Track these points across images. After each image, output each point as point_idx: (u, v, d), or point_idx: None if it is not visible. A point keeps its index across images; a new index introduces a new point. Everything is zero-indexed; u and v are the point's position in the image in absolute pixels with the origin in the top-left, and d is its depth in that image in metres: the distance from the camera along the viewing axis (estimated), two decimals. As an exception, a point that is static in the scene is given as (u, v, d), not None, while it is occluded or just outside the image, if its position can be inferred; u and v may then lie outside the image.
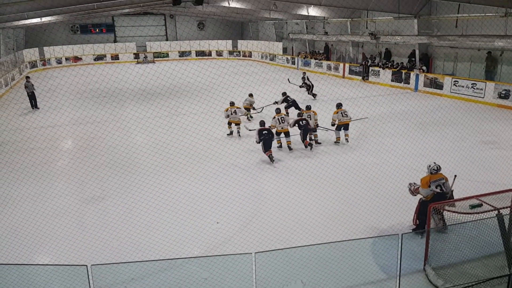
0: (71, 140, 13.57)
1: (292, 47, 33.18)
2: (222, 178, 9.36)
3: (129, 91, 21.49)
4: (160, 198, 8.32)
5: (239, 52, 40.02)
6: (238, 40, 40.73)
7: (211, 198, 8.45)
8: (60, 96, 18.40)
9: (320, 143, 12.07)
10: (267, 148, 10.66)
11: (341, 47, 28.24)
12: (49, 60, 35.06)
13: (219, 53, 40.17)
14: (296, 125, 11.75)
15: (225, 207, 7.98)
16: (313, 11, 25.01)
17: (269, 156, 10.64)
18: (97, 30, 38.42)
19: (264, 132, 10.68)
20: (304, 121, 11.67)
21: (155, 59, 37.91)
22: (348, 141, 12.06)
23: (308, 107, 12.32)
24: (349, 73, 25.41)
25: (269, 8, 24.37)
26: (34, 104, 18.27)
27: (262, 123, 11.18)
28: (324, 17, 26.35)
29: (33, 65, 33.62)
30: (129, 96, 19.63)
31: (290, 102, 15.17)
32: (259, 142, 10.75)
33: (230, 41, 40.47)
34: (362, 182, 9.13)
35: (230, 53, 40.27)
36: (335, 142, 12.12)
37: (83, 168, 10.49)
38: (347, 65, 25.67)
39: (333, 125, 12.10)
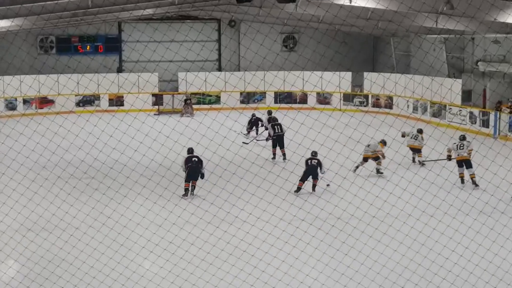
0: (10, 269, 13.45)
1: (485, 90, 30.92)
2: None
3: (137, 168, 20.15)
4: None
5: (366, 96, 36.76)
6: (364, 73, 37.26)
7: None
8: (4, 176, 17.11)
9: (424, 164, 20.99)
10: (189, 178, 17.09)
11: None
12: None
13: (324, 99, 37.37)
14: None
15: None
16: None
17: (185, 188, 17.06)
18: (87, 47, 35.17)
19: (193, 159, 17.34)
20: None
21: (193, 106, 35.67)
22: (381, 174, 20.48)
23: (420, 130, 21.94)
24: None
25: (437, 9, 22.39)
26: None
27: (190, 150, 17.59)
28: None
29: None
30: (136, 179, 18.53)
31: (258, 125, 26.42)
32: (185, 171, 17.29)
33: (348, 74, 36.97)
34: None
35: (347, 97, 36.97)
36: (354, 171, 20.35)
37: None
38: None
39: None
